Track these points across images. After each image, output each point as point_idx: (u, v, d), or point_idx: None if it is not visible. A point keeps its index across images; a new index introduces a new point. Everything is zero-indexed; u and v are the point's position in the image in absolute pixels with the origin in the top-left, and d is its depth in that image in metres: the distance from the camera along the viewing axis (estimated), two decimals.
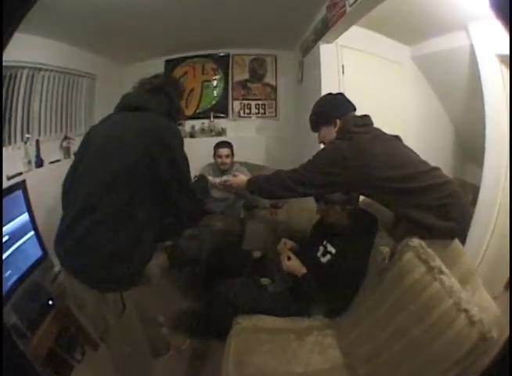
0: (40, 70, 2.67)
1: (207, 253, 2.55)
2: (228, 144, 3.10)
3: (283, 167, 3.49)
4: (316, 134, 1.96)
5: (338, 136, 1.73)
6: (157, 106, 1.42)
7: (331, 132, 1.78)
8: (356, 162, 1.56)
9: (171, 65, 4.12)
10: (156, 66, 3.93)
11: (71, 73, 3.08)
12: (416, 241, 1.46)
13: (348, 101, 1.86)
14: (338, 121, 1.76)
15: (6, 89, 2.38)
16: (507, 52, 2.04)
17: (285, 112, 4.20)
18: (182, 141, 1.38)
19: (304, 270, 1.81)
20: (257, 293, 1.90)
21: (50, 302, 1.93)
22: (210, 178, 2.42)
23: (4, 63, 2.19)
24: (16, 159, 2.34)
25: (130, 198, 1.27)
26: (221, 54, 4.13)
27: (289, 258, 1.87)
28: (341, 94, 1.94)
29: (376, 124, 1.84)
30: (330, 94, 1.96)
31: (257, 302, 1.83)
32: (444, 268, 1.32)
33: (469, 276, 1.41)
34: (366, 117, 1.79)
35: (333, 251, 1.83)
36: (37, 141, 2.58)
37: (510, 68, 0.91)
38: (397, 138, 1.79)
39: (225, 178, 2.41)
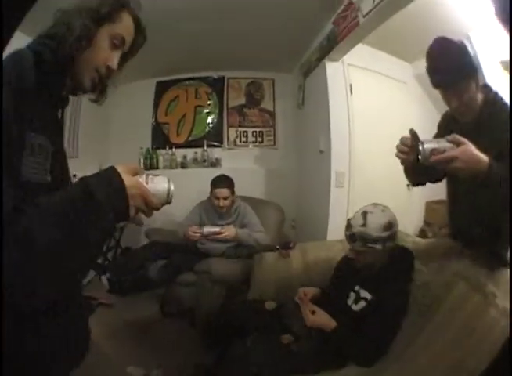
0: None
1: (206, 304, 2.22)
2: (227, 183, 2.71)
3: (283, 200, 3.40)
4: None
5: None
6: None
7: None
8: None
9: (162, 87, 4.01)
10: (147, 87, 3.90)
11: None
12: (465, 270, 1.47)
13: None
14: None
15: None
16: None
17: (284, 140, 4.05)
18: None
19: (334, 324, 1.59)
20: (280, 355, 1.59)
21: None
22: (194, 228, 2.52)
23: None
24: None
25: None
26: (216, 77, 4.01)
27: (313, 312, 1.62)
28: None
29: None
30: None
31: (282, 364, 1.54)
32: (497, 292, 1.31)
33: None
34: None
35: (368, 297, 1.61)
36: None
37: (510, 70, 0.79)
38: None
39: (213, 230, 2.50)
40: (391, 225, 1.52)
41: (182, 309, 2.53)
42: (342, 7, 2.42)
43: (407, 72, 3.41)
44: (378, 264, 1.62)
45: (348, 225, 1.58)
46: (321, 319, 1.61)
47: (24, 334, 0.84)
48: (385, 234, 1.51)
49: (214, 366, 1.83)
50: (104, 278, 2.34)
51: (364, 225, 1.50)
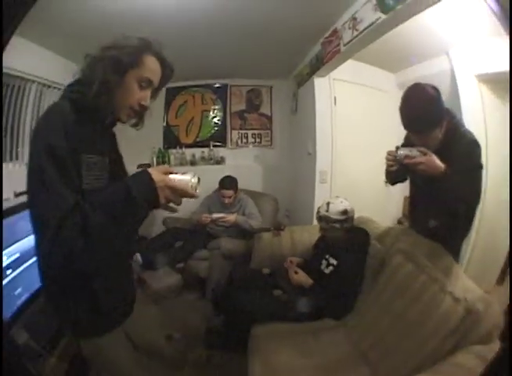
0: (49, 86, 2.70)
1: (217, 273, 2.78)
2: (232, 185, 3.26)
3: (279, 193, 3.91)
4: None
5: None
6: None
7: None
8: None
9: (172, 93, 4.27)
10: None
11: None
12: (403, 246, 1.89)
13: None
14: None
15: (15, 101, 2.39)
16: (487, 70, 2.47)
17: (280, 141, 4.43)
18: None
19: (310, 281, 2.12)
20: (272, 303, 2.10)
21: None
22: (205, 215, 3.12)
23: (13, 72, 2.26)
24: (24, 175, 2.28)
25: None
26: (220, 85, 4.33)
27: (296, 273, 2.14)
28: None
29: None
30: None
31: (273, 311, 2.03)
32: (429, 264, 1.66)
33: (451, 267, 1.65)
34: None
35: (335, 262, 2.12)
36: None
37: (510, 70, 1.06)
38: None
39: (219, 215, 3.12)
40: (346, 212, 2.07)
41: (199, 278, 3.00)
42: (329, 32, 2.66)
43: (390, 81, 3.65)
44: (340, 239, 2.13)
45: (318, 211, 2.14)
46: (301, 278, 2.13)
47: (94, 286, 1.08)
48: (342, 217, 2.06)
49: (222, 326, 2.31)
50: (138, 256, 2.64)
51: (327, 210, 2.08)
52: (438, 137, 1.61)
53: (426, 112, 1.53)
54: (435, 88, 1.55)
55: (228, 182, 3.25)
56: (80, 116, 1.00)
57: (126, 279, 1.31)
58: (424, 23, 2.28)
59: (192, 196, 0.99)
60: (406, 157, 1.53)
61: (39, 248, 1.00)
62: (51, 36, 2.35)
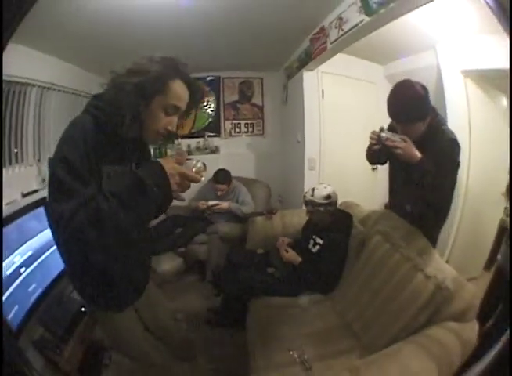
0: (49, 88, 2.67)
1: (216, 255, 3.03)
2: (225, 180, 3.45)
3: (271, 179, 4.13)
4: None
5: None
6: None
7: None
8: None
9: None
10: None
11: (79, 94, 3.06)
12: (381, 227, 2.05)
13: None
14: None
15: (17, 105, 2.38)
16: (473, 67, 2.54)
17: (271, 130, 4.56)
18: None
19: (299, 259, 2.33)
20: (266, 278, 2.34)
21: (83, 309, 1.98)
22: (202, 202, 3.38)
23: (12, 78, 2.23)
24: (29, 176, 2.41)
25: None
26: (213, 77, 4.36)
27: (287, 251, 2.37)
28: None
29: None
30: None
31: (268, 285, 2.27)
32: (403, 244, 1.83)
33: (426, 249, 1.83)
34: None
35: (321, 242, 2.34)
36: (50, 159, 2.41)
37: (510, 71, 1.18)
38: None
39: (214, 202, 3.38)
40: (329, 196, 2.29)
41: (199, 261, 3.22)
42: (317, 29, 2.73)
43: (377, 73, 3.73)
44: (325, 220, 2.35)
45: (304, 196, 2.36)
46: (292, 255, 2.34)
47: (112, 259, 1.14)
48: (325, 201, 2.28)
49: (221, 305, 2.51)
50: None
51: (312, 195, 2.30)
52: (421, 130, 1.73)
53: (411, 108, 1.67)
54: (424, 87, 1.68)
55: (222, 177, 3.44)
56: (101, 130, 1.05)
57: (139, 262, 1.37)
58: (413, 18, 2.24)
59: (199, 180, 1.04)
60: (388, 139, 1.69)
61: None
62: (43, 37, 2.33)
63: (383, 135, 1.71)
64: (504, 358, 0.77)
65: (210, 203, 3.39)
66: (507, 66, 0.84)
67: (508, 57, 0.83)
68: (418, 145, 1.68)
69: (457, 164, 1.72)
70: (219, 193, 3.45)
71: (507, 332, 0.78)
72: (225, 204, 3.38)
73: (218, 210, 3.39)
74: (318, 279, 2.24)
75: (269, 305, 2.16)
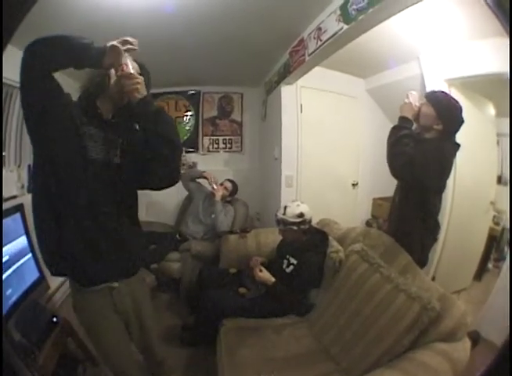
0: None
1: (188, 272, 2.92)
2: (235, 188, 3.47)
3: (249, 196, 3.99)
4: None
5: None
6: None
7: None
8: None
9: None
10: None
11: None
12: (359, 246, 2.01)
13: None
14: None
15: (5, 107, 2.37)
16: (458, 75, 2.60)
17: (250, 146, 4.58)
18: None
19: (272, 279, 2.22)
20: (237, 299, 2.25)
21: (54, 319, 1.95)
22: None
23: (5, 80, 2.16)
24: (9, 182, 2.42)
25: None
26: (193, 92, 4.41)
27: (261, 271, 2.27)
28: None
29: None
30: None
31: (239, 307, 2.17)
32: (382, 263, 1.79)
33: (408, 267, 1.80)
34: None
35: (294, 262, 2.26)
36: (30, 166, 2.53)
37: (511, 71, 1.16)
38: None
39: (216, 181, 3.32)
40: (302, 215, 2.21)
41: (172, 279, 3.12)
42: (296, 41, 2.73)
43: (358, 87, 3.81)
44: (298, 240, 2.28)
45: (276, 214, 2.30)
46: (265, 275, 2.23)
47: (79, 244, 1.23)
48: (298, 220, 2.21)
49: (194, 321, 2.41)
50: None
51: (284, 213, 2.24)
52: (433, 117, 1.81)
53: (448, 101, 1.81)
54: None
55: (233, 187, 3.44)
56: (82, 104, 1.28)
57: (115, 249, 1.35)
58: (394, 29, 2.37)
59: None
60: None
61: None
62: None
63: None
64: (504, 358, 0.79)
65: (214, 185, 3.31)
66: (495, 70, 0.86)
67: (508, 58, 0.89)
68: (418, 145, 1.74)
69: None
70: (220, 193, 3.27)
71: None
72: (219, 194, 3.22)
73: (212, 185, 3.31)
74: (292, 300, 2.17)
75: (240, 326, 2.07)
